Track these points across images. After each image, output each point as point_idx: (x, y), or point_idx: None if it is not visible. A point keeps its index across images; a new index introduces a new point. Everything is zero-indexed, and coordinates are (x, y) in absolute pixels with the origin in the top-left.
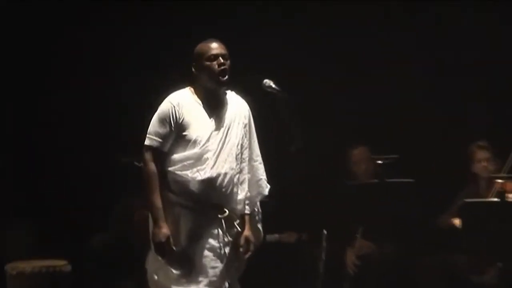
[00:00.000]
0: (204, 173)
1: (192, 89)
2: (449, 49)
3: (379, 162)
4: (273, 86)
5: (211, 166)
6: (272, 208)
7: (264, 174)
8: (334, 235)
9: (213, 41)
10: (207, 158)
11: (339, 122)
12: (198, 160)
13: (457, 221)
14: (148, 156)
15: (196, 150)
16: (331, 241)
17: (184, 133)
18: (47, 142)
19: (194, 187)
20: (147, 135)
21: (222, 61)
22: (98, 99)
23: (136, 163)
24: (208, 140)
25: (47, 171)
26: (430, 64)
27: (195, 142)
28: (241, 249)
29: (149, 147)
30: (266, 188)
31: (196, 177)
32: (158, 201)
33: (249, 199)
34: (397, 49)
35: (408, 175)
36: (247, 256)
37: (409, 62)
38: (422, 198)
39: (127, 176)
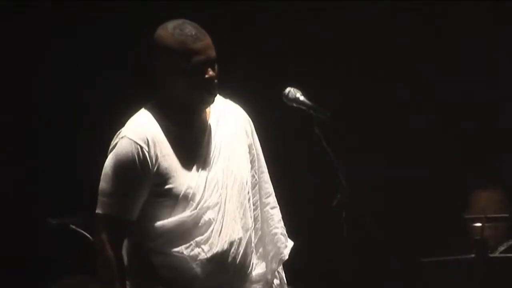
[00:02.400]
0: (210, 246)
1: (157, 107)
2: None
3: (477, 225)
4: (302, 99)
5: (217, 232)
6: None
7: (282, 223)
8: None
9: (194, 35)
10: (210, 221)
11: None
12: (196, 226)
13: None
14: (103, 233)
15: (189, 211)
16: None
17: (166, 187)
18: None
19: (195, 271)
20: (100, 198)
21: (210, 73)
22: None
23: (72, 227)
24: (204, 190)
25: None
26: None
27: (185, 198)
28: None
29: (105, 218)
30: (285, 248)
31: (198, 256)
32: None
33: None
34: None
35: None
36: None
37: None
38: None
39: (61, 246)
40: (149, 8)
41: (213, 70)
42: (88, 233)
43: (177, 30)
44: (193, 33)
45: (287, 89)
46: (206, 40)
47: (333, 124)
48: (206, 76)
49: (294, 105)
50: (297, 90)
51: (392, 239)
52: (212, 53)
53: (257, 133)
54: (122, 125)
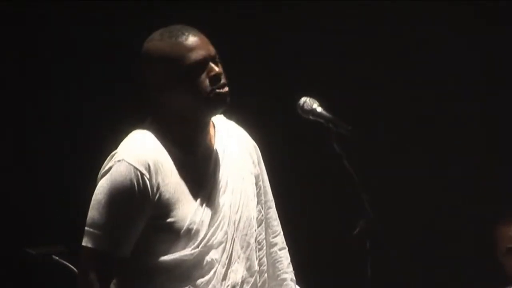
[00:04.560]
0: None
1: (156, 126)
2: None
3: None
4: (319, 110)
5: (220, 275)
6: None
7: (291, 267)
8: None
9: (185, 33)
10: (213, 262)
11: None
12: (196, 267)
13: None
14: (91, 270)
15: (190, 249)
16: None
17: (167, 221)
18: None
19: None
20: (89, 229)
21: (216, 69)
22: None
23: (55, 258)
24: (209, 227)
25: None
26: None
27: (187, 234)
28: None
29: (95, 253)
30: None
31: None
32: None
33: None
34: None
35: None
36: None
37: None
38: None
39: (41, 280)
40: (155, 12)
41: (216, 65)
42: (73, 265)
43: (165, 34)
44: (184, 31)
45: (302, 99)
46: (200, 36)
47: (356, 139)
48: (212, 73)
49: (311, 117)
50: (314, 100)
51: (420, 276)
52: (211, 48)
53: (264, 154)
54: (116, 145)
